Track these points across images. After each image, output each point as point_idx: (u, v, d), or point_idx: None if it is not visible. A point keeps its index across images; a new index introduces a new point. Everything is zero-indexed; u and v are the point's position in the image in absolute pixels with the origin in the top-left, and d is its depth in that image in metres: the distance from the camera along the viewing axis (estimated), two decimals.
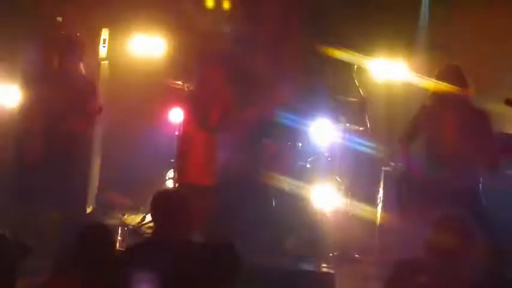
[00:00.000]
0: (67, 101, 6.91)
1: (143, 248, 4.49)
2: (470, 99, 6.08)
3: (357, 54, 7.92)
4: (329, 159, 7.87)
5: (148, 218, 7.48)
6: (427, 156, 6.17)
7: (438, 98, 6.13)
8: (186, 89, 7.70)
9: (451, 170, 5.89)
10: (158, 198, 4.65)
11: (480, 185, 6.02)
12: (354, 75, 7.90)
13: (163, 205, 4.53)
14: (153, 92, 8.27)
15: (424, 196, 5.95)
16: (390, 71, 7.76)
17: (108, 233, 4.21)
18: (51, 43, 7.52)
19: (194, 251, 4.05)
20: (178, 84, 7.78)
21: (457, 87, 6.02)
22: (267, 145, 7.85)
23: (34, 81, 7.15)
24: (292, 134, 7.84)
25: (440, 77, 6.14)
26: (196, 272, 3.83)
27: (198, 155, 7.29)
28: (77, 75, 7.08)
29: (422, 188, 6.03)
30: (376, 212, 7.38)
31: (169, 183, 8.09)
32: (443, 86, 6.03)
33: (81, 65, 7.13)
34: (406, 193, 6.23)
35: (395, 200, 6.41)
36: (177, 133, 7.70)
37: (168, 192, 5.27)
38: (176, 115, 7.86)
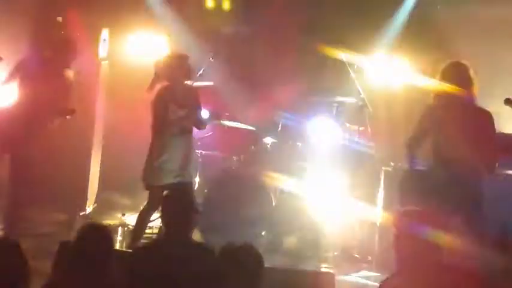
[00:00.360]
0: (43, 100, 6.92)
1: (154, 249, 4.54)
2: (474, 99, 6.02)
3: (357, 54, 7.92)
4: (329, 159, 7.87)
5: None
6: (432, 157, 6.12)
7: (442, 98, 6.07)
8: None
9: (455, 170, 5.86)
10: (169, 199, 4.74)
11: (483, 186, 5.99)
12: (353, 75, 7.90)
13: (175, 205, 4.60)
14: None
15: (427, 197, 5.92)
16: (390, 71, 7.77)
17: (107, 233, 4.21)
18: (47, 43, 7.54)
19: (213, 254, 4.11)
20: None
21: (462, 86, 5.96)
22: (267, 145, 7.87)
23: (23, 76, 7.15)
24: (292, 134, 7.84)
25: (445, 75, 6.06)
26: (219, 276, 3.85)
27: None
28: (60, 76, 7.08)
29: (426, 189, 6.00)
30: (376, 212, 7.38)
31: None
32: (447, 86, 5.98)
33: (70, 70, 7.12)
34: (410, 194, 6.19)
35: (398, 200, 6.38)
36: None
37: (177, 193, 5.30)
38: None
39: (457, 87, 5.92)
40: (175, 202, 4.67)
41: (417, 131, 6.18)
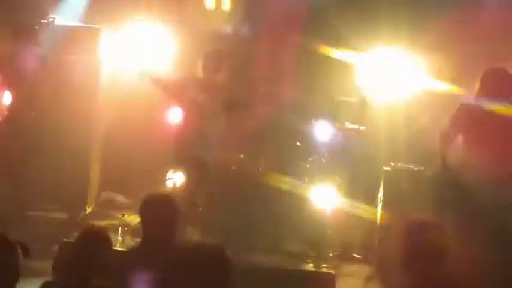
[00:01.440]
0: None
1: (133, 254, 4.49)
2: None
3: (357, 53, 7.92)
4: (329, 159, 7.86)
5: None
6: (465, 158, 6.12)
7: (482, 100, 6.08)
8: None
9: (489, 173, 5.86)
10: (148, 202, 4.65)
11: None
12: (354, 75, 7.90)
13: (153, 209, 4.53)
14: (152, 92, 8.26)
15: (463, 201, 5.91)
16: (390, 70, 7.77)
17: (105, 237, 4.21)
18: None
19: (184, 255, 4.02)
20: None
21: (503, 91, 6.01)
22: (267, 145, 7.87)
23: None
24: (293, 134, 7.84)
25: (485, 80, 6.09)
26: (186, 277, 3.79)
27: None
28: None
29: (460, 194, 5.99)
30: (376, 212, 7.38)
31: (169, 183, 8.07)
32: (486, 90, 6.02)
33: None
34: (443, 201, 6.16)
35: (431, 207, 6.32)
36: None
37: (158, 196, 5.14)
38: (175, 115, 7.89)
39: (499, 91, 5.96)
40: (157, 211, 4.53)
41: (450, 130, 6.20)
